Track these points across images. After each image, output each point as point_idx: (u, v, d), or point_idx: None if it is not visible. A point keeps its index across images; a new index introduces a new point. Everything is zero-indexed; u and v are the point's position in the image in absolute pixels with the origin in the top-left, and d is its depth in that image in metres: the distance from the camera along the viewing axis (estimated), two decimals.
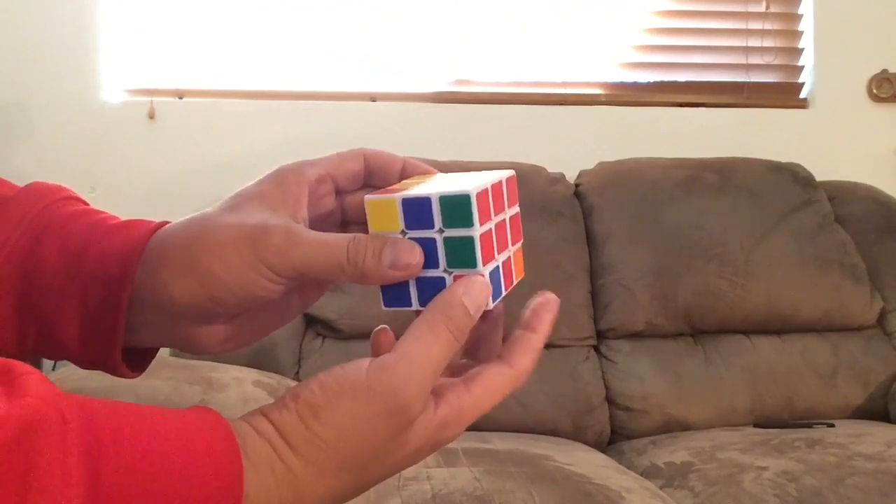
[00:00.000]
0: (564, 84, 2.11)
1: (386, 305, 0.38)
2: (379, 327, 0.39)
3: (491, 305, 0.37)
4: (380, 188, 0.40)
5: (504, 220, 0.39)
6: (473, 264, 0.36)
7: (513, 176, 0.40)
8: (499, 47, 2.08)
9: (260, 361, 1.55)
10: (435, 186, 0.38)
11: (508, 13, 2.08)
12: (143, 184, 1.96)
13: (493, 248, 0.38)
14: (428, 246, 0.37)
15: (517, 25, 2.09)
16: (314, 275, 0.36)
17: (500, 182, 0.39)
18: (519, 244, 0.41)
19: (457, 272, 0.37)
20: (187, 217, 0.39)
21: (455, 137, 2.03)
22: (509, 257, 0.40)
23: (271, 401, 0.35)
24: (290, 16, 2.03)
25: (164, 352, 1.55)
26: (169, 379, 1.24)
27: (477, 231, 0.36)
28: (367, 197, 0.38)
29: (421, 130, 2.02)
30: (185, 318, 0.38)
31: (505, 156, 1.94)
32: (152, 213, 0.43)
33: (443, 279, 0.37)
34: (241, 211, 0.37)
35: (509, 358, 0.38)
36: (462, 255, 0.36)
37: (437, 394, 0.36)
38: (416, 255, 0.36)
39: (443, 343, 0.35)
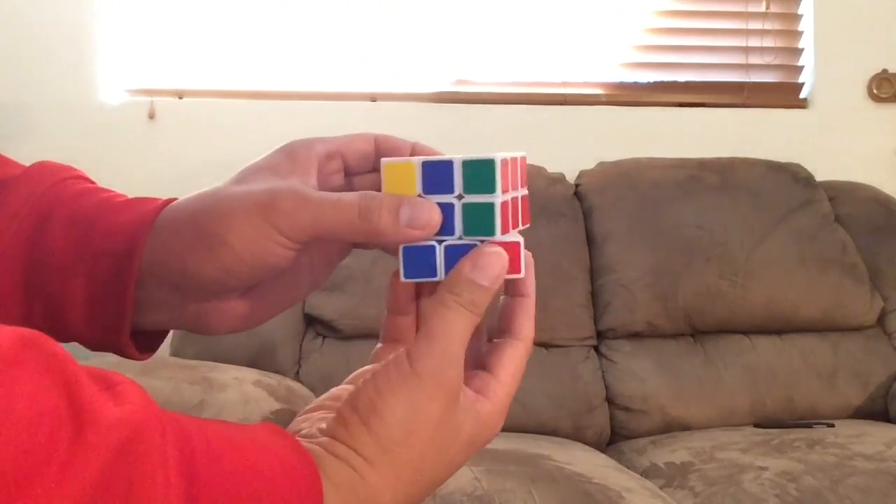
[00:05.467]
0: (564, 84, 2.10)
1: (406, 277, 0.37)
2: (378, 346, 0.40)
3: (440, 277, 0.36)
4: None
5: (517, 198, 0.39)
6: (492, 231, 0.36)
7: (524, 157, 0.40)
8: (499, 47, 2.08)
9: (260, 361, 1.56)
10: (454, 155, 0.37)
11: (509, 13, 2.08)
12: (143, 184, 1.95)
13: (509, 219, 0.37)
14: (445, 212, 0.36)
15: (517, 26, 2.09)
16: (326, 235, 0.36)
17: (517, 159, 0.38)
18: (526, 227, 0.40)
19: (472, 239, 0.36)
20: (196, 192, 0.39)
21: (455, 137, 2.03)
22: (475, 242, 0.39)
23: (272, 401, 0.36)
24: (290, 16, 2.03)
25: (164, 351, 1.55)
26: (169, 379, 1.25)
27: (499, 198, 0.35)
28: (385, 160, 0.37)
29: (421, 130, 2.00)
30: (195, 292, 0.38)
31: None
32: None
33: (471, 247, 0.36)
34: (250, 181, 0.38)
35: (515, 331, 0.38)
36: (481, 221, 0.36)
37: (478, 390, 0.36)
38: (436, 214, 0.36)
39: (459, 315, 0.35)
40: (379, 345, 0.41)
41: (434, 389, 0.34)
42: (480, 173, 0.35)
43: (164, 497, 0.26)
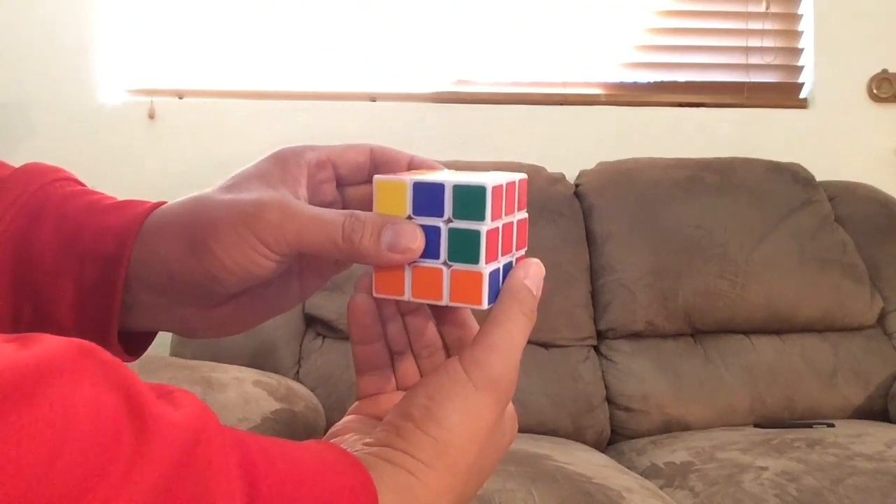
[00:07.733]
0: (564, 84, 2.10)
1: (489, 303, 0.36)
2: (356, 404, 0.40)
3: (485, 306, 0.36)
4: None
5: (512, 223, 0.38)
6: (476, 260, 0.35)
7: (525, 179, 0.39)
8: (499, 47, 2.08)
9: (260, 361, 1.56)
10: (448, 177, 0.37)
11: (508, 13, 2.08)
12: (143, 184, 1.96)
13: (498, 248, 0.36)
14: (431, 235, 0.36)
15: (517, 25, 2.09)
16: (309, 251, 0.36)
17: (514, 183, 0.38)
18: (522, 251, 0.40)
19: (456, 267, 0.36)
20: (186, 196, 0.39)
21: (455, 137, 2.03)
22: (511, 262, 0.38)
23: (272, 401, 0.36)
24: (290, 16, 2.03)
25: (164, 351, 1.55)
26: (169, 379, 1.24)
27: (486, 226, 0.35)
28: (377, 177, 0.37)
29: (421, 130, 2.02)
30: (181, 297, 0.38)
31: (505, 156, 1.94)
32: None
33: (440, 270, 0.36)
34: (239, 189, 0.38)
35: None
36: (466, 249, 0.35)
37: None
38: (418, 240, 0.36)
39: (520, 326, 0.35)
40: (358, 377, 0.41)
41: (491, 397, 0.34)
42: (470, 199, 0.35)
43: (228, 497, 0.26)
